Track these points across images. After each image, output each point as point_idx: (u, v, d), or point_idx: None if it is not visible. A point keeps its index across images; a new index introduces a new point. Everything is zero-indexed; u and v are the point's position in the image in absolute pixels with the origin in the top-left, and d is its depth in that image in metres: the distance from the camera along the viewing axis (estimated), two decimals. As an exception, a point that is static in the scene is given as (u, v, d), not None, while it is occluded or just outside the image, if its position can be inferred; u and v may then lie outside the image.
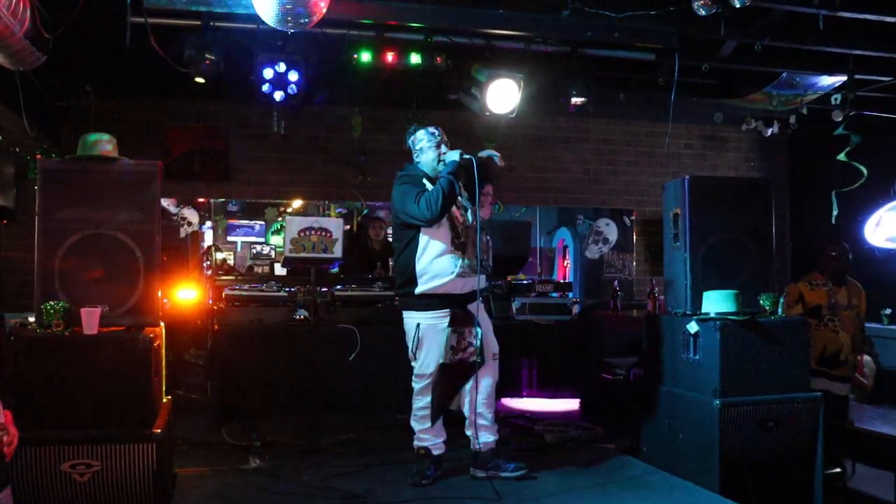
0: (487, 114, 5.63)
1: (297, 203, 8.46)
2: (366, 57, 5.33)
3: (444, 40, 5.37)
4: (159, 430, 3.38)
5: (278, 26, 4.05)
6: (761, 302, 4.35)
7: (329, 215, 8.41)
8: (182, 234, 7.95)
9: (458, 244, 4.08)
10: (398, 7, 5.02)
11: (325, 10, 4.02)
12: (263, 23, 4.12)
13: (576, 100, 5.77)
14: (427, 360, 4.04)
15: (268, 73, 5.25)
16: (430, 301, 4.02)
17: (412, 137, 4.23)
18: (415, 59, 5.39)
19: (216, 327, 5.04)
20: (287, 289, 5.19)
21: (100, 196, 3.62)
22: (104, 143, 3.71)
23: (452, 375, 4.14)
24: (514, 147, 7.86)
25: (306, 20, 3.96)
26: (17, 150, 6.22)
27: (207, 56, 4.93)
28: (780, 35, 5.51)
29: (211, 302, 5.48)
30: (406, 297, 4.09)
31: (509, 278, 5.89)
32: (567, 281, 7.43)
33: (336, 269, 6.12)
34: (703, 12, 4.64)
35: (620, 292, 6.48)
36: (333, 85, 6.03)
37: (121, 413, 3.34)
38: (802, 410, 4.21)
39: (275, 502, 3.80)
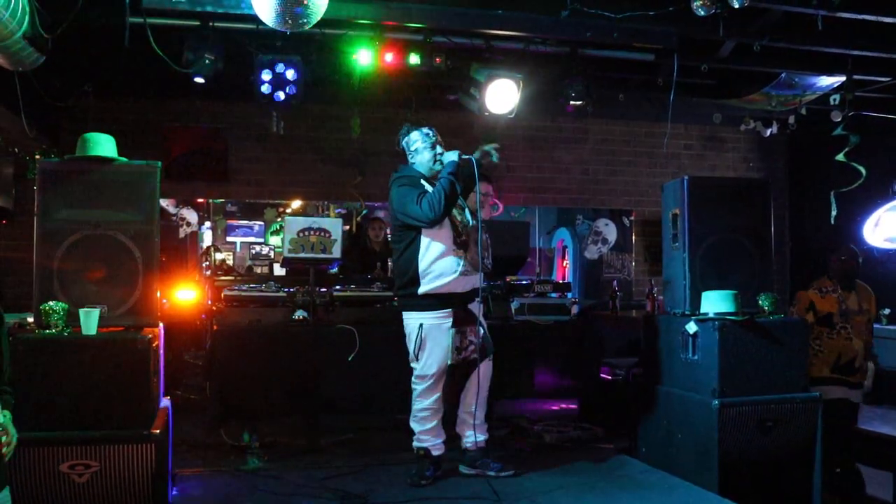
0: (486, 114, 5.62)
1: (296, 203, 8.45)
2: (365, 57, 5.33)
3: (443, 41, 5.37)
4: (158, 431, 3.37)
5: (277, 26, 4.05)
6: (760, 302, 4.35)
7: (328, 216, 8.40)
8: (181, 235, 7.95)
9: (460, 243, 4.09)
10: (397, 7, 5.02)
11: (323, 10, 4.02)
12: (263, 23, 4.12)
13: (575, 100, 5.77)
14: (429, 361, 4.04)
15: (267, 74, 5.24)
16: (433, 301, 4.03)
17: (406, 138, 4.23)
18: (414, 59, 5.38)
19: (215, 328, 5.03)
20: (286, 289, 5.19)
21: (99, 196, 3.62)
22: (103, 144, 3.70)
23: (457, 375, 4.16)
24: (514, 147, 7.87)
25: (305, 20, 3.96)
26: (16, 150, 6.22)
27: (206, 56, 4.92)
28: (778, 35, 5.51)
29: (210, 302, 5.47)
30: (408, 297, 4.10)
31: (508, 278, 5.89)
32: (566, 281, 7.42)
33: (335, 270, 6.11)
34: (702, 13, 4.65)
35: (619, 293, 6.48)
36: (332, 85, 6.02)
37: (119, 414, 3.34)
38: (801, 411, 4.22)
39: (274, 503, 3.80)
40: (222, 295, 5.15)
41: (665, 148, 7.81)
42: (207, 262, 7.47)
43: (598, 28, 5.17)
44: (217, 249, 8.18)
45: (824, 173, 7.18)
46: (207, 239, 8.54)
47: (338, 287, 5.30)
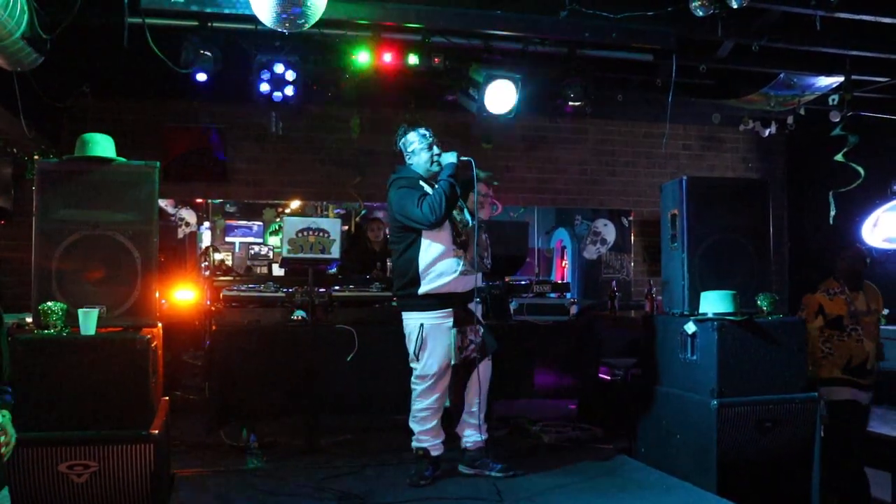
0: (485, 114, 5.63)
1: (295, 204, 8.45)
2: (363, 58, 5.33)
3: (441, 41, 5.37)
4: (157, 431, 3.38)
5: (275, 27, 4.05)
6: (759, 302, 4.36)
7: (327, 216, 8.40)
8: (180, 235, 7.95)
9: (460, 243, 4.10)
10: (396, 8, 5.02)
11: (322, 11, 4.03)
12: (261, 23, 4.12)
13: (573, 101, 5.77)
14: (430, 361, 4.04)
15: (266, 74, 5.25)
16: (432, 301, 4.03)
17: (403, 139, 4.23)
18: (412, 59, 5.38)
19: (214, 328, 5.03)
20: (285, 289, 5.19)
21: (97, 197, 3.62)
22: (102, 144, 3.71)
23: (458, 375, 4.16)
24: (512, 148, 7.87)
25: (303, 21, 3.96)
26: (15, 150, 6.21)
27: (205, 56, 4.93)
28: (777, 36, 5.51)
29: (209, 302, 5.47)
30: (408, 297, 4.09)
31: (507, 279, 5.89)
32: (565, 281, 7.42)
33: (334, 270, 6.11)
34: (701, 13, 4.65)
35: (618, 293, 6.49)
36: (331, 86, 6.02)
37: (118, 414, 3.34)
38: (800, 411, 4.22)
39: (273, 503, 3.80)
40: (221, 295, 5.15)
41: (664, 148, 7.81)
42: (206, 263, 7.47)
43: (596, 28, 5.18)
44: (216, 250, 8.19)
45: (823, 173, 7.18)
46: (206, 239, 8.53)
47: (336, 287, 5.30)
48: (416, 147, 4.18)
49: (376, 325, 4.98)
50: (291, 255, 4.82)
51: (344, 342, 4.82)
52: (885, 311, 6.87)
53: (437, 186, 4.00)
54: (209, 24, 4.94)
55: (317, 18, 4.02)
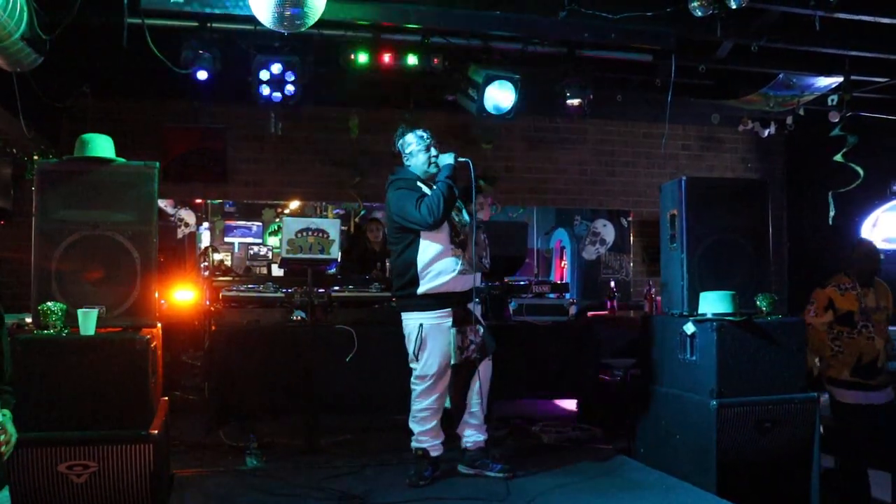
0: (484, 115, 5.63)
1: (294, 204, 8.46)
2: (362, 58, 5.33)
3: (440, 41, 5.38)
4: (156, 431, 3.38)
5: (274, 27, 4.05)
6: (758, 303, 4.35)
7: (326, 216, 8.41)
8: (179, 235, 7.95)
9: (458, 242, 4.11)
10: (395, 8, 5.02)
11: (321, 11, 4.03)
12: (261, 24, 4.12)
13: (573, 101, 5.77)
14: (430, 361, 4.04)
15: (265, 75, 5.25)
16: (432, 301, 4.03)
17: (401, 140, 4.24)
18: (412, 60, 5.39)
19: (213, 328, 5.03)
20: (284, 290, 5.19)
21: (97, 197, 3.62)
22: (101, 144, 3.71)
23: (460, 375, 4.16)
24: (512, 148, 7.88)
25: (302, 21, 3.96)
26: (15, 151, 6.21)
27: (204, 57, 4.93)
28: (776, 36, 5.51)
29: (208, 303, 5.47)
30: (407, 297, 4.10)
31: (506, 279, 5.89)
32: (564, 282, 7.43)
33: (333, 270, 6.12)
34: (700, 13, 4.65)
35: (617, 293, 6.50)
36: (330, 86, 6.02)
37: (118, 414, 3.34)
38: (799, 411, 4.22)
39: (273, 503, 3.80)
40: (220, 295, 5.15)
41: (663, 148, 7.81)
42: (206, 263, 7.48)
43: (595, 29, 5.18)
44: (215, 250, 8.20)
45: (822, 174, 7.17)
46: (206, 239, 8.54)
47: (336, 288, 5.30)
48: (414, 148, 4.19)
49: (375, 326, 4.98)
50: (291, 256, 4.82)
51: (343, 342, 4.82)
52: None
53: (434, 188, 4.01)
54: (209, 25, 4.94)
55: (316, 19, 4.02)
